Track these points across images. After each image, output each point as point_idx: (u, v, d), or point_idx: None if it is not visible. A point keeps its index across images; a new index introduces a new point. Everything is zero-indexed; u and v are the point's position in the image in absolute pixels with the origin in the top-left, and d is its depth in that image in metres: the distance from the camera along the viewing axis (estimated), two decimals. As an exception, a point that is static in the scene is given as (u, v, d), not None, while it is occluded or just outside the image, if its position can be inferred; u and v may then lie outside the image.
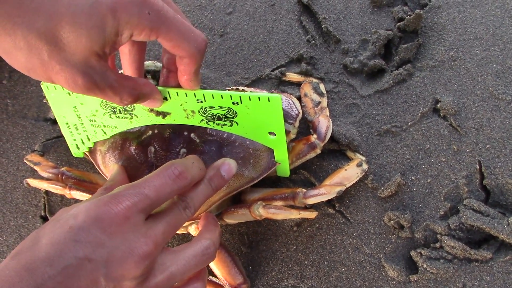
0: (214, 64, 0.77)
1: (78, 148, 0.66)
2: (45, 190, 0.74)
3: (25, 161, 0.73)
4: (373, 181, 0.66)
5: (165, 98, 0.54)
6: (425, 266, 0.61)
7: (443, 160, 0.66)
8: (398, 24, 0.74)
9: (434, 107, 0.70)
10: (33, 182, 0.71)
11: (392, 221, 0.64)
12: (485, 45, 0.72)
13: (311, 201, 0.61)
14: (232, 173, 0.54)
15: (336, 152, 0.69)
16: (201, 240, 0.48)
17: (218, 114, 0.55)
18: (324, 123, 0.65)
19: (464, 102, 0.69)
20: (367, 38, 0.75)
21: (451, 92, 0.70)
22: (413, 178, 0.66)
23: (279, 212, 0.60)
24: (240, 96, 0.53)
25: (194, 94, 0.53)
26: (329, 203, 0.67)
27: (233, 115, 0.55)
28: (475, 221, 0.61)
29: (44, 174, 0.70)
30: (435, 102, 0.70)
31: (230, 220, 0.64)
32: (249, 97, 0.52)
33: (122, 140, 0.62)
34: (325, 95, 0.69)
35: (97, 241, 0.41)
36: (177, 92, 0.53)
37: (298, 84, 0.72)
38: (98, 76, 0.45)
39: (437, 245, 0.62)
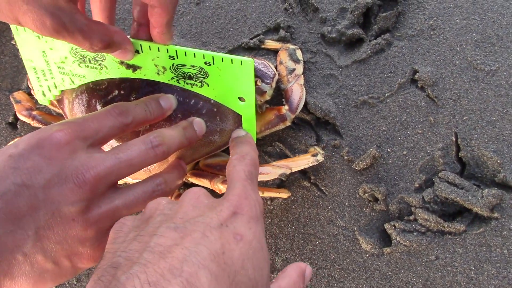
0: (190, 34, 0.75)
1: (44, 95, 0.64)
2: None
3: (10, 97, 0.73)
4: (349, 154, 0.65)
5: (137, 51, 0.53)
6: (398, 238, 0.61)
7: (420, 132, 0.66)
8: (377, -9, 0.72)
9: (412, 77, 0.68)
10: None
11: (366, 194, 0.63)
12: (465, 13, 0.70)
13: None
14: (203, 130, 0.55)
15: (312, 121, 0.69)
16: (154, 178, 0.48)
17: (189, 73, 0.54)
18: (297, 94, 0.64)
19: (442, 73, 0.68)
20: (345, 7, 0.73)
21: (430, 63, 0.68)
22: (389, 150, 0.65)
23: None
24: (213, 57, 0.52)
25: (167, 49, 0.52)
26: (305, 175, 0.66)
27: (204, 76, 0.54)
28: (449, 194, 0.61)
29: (19, 115, 0.70)
30: (413, 73, 0.68)
31: (192, 180, 0.64)
32: (222, 58, 0.51)
33: (89, 96, 0.60)
34: (301, 61, 0.67)
35: (35, 167, 0.41)
36: (149, 46, 0.52)
37: (276, 53, 0.70)
38: (67, 18, 0.43)
39: (411, 217, 0.62)
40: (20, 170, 0.40)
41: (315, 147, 0.65)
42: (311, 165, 0.62)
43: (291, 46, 0.69)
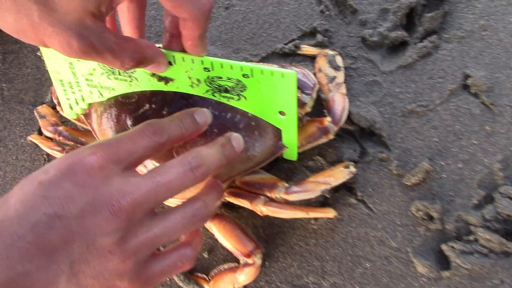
0: (220, 40, 0.71)
1: (71, 108, 0.61)
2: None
3: (34, 112, 0.72)
4: (398, 168, 0.61)
5: (170, 63, 0.50)
6: (458, 261, 0.57)
7: (475, 142, 0.61)
8: (422, -10, 0.68)
9: (464, 83, 0.64)
10: (35, 138, 0.72)
11: (420, 212, 0.59)
12: (520, 11, 0.66)
13: (292, 197, 0.57)
14: (241, 146, 0.52)
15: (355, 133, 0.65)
16: (193, 201, 0.45)
17: (225, 86, 0.51)
18: (339, 104, 0.60)
19: (498, 77, 0.63)
20: (387, 7, 0.68)
21: (483, 66, 0.64)
22: (442, 163, 0.61)
23: (281, 211, 0.57)
24: (251, 69, 0.48)
25: (202, 61, 0.49)
26: (351, 192, 0.62)
27: (242, 89, 0.51)
28: (512, 211, 0.56)
29: (44, 131, 0.68)
30: (464, 78, 0.64)
31: (230, 199, 0.61)
32: (262, 70, 0.48)
33: (118, 110, 0.57)
34: (342, 68, 0.63)
35: (67, 196, 0.38)
36: (183, 57, 0.49)
37: (313, 59, 0.66)
38: (95, 38, 0.40)
39: (471, 237, 0.58)
40: (51, 199, 0.38)
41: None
42: (347, 178, 0.57)
43: (330, 52, 0.65)
